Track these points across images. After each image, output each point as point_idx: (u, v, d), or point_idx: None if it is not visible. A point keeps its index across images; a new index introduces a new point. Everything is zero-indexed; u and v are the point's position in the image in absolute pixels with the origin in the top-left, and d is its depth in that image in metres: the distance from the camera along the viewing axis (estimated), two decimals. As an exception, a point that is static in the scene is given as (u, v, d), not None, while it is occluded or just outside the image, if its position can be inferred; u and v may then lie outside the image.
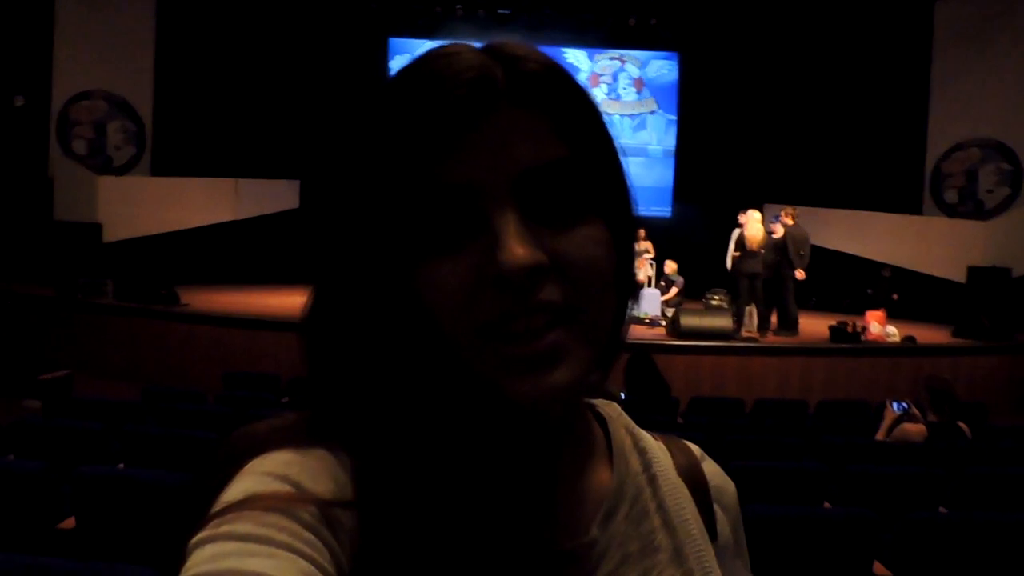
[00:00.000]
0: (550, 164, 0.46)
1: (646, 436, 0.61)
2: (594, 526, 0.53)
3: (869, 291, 9.76)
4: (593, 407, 0.60)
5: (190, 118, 11.08)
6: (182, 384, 6.37)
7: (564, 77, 0.49)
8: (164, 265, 9.53)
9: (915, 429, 4.18)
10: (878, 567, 2.74)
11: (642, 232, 9.05)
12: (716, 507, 0.61)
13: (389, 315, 0.48)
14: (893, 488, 3.43)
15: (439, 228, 0.45)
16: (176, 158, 11.16)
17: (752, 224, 8.13)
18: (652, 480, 0.57)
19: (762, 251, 8.12)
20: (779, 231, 8.32)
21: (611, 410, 0.61)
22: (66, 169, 10.44)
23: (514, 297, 0.44)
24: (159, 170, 11.20)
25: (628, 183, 0.52)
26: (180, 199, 10.82)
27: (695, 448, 0.65)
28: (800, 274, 8.12)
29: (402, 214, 0.46)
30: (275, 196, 11.70)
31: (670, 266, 9.69)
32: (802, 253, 8.13)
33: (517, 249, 0.43)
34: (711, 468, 0.64)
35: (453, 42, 0.49)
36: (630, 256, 0.52)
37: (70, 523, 2.75)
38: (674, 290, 9.55)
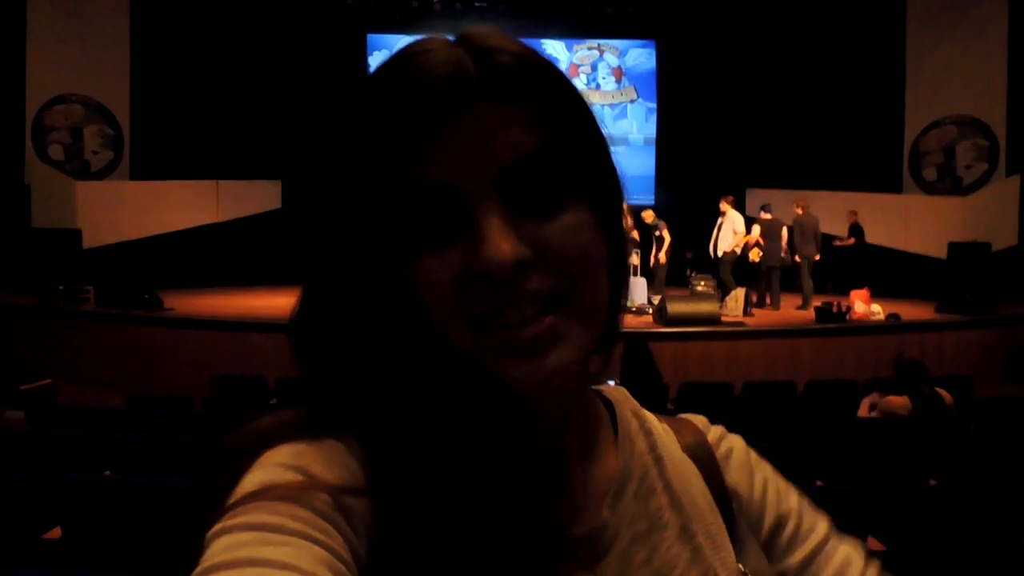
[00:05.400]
0: (528, 156, 0.46)
1: (652, 418, 0.62)
2: (604, 508, 0.54)
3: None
4: (600, 392, 0.61)
5: (168, 120, 10.97)
6: (168, 390, 6.30)
7: (539, 65, 0.48)
8: (146, 270, 9.41)
9: (899, 402, 4.24)
10: (873, 542, 2.75)
11: (629, 221, 9.16)
12: (728, 475, 0.62)
13: (381, 310, 0.48)
14: (883, 463, 3.45)
15: (425, 226, 0.46)
16: (155, 161, 11.04)
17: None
18: (658, 460, 0.58)
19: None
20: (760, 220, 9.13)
21: (617, 394, 0.62)
22: (43, 175, 10.31)
23: (502, 291, 0.45)
24: (138, 174, 11.08)
25: (614, 165, 0.52)
26: (160, 202, 10.71)
27: (700, 422, 0.65)
28: (798, 258, 9.16)
29: (387, 214, 0.46)
30: (257, 197, 11.62)
31: (648, 216, 9.57)
32: (815, 237, 9.25)
33: (501, 244, 0.44)
34: (715, 435, 0.64)
35: (427, 36, 0.49)
36: (620, 239, 0.51)
37: (56, 533, 2.71)
38: (666, 237, 9.34)
